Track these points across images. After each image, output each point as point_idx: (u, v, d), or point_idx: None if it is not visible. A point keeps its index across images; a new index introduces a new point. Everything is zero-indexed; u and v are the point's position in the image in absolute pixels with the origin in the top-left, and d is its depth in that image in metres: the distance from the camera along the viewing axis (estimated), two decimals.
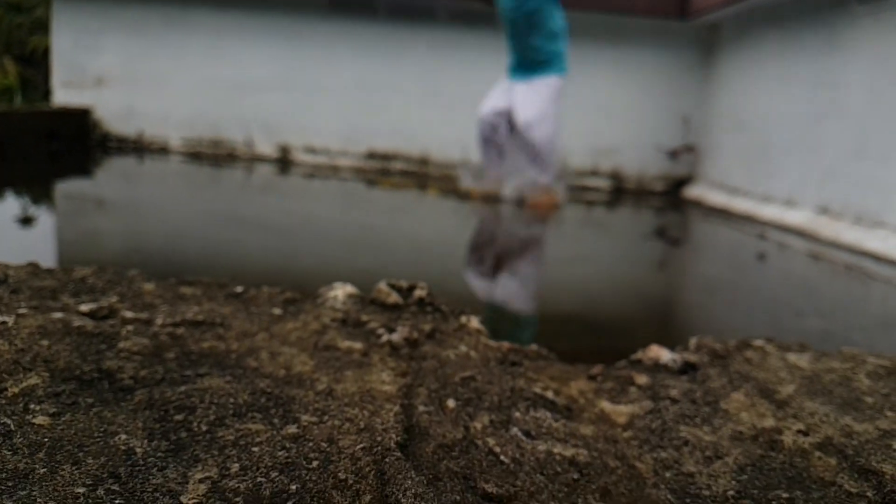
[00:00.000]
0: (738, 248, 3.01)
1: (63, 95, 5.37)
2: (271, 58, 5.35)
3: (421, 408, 0.76)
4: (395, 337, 0.93)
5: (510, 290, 1.95)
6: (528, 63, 3.56)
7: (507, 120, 3.62)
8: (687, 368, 0.95)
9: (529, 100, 3.48)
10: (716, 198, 4.69)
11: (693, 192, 5.14)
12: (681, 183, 5.45)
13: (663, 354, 0.96)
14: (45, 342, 0.89)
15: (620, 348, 1.38)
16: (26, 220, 2.17)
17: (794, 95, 4.00)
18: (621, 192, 5.34)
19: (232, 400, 0.75)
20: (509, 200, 3.53)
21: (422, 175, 5.34)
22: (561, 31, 3.53)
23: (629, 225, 3.50)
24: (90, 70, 5.35)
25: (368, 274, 1.80)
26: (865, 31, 3.40)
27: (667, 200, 4.88)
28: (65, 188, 3.03)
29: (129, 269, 1.24)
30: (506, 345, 0.98)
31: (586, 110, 5.14)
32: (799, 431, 0.77)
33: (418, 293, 1.11)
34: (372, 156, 5.48)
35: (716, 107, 5.13)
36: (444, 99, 5.42)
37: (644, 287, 2.14)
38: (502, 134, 3.65)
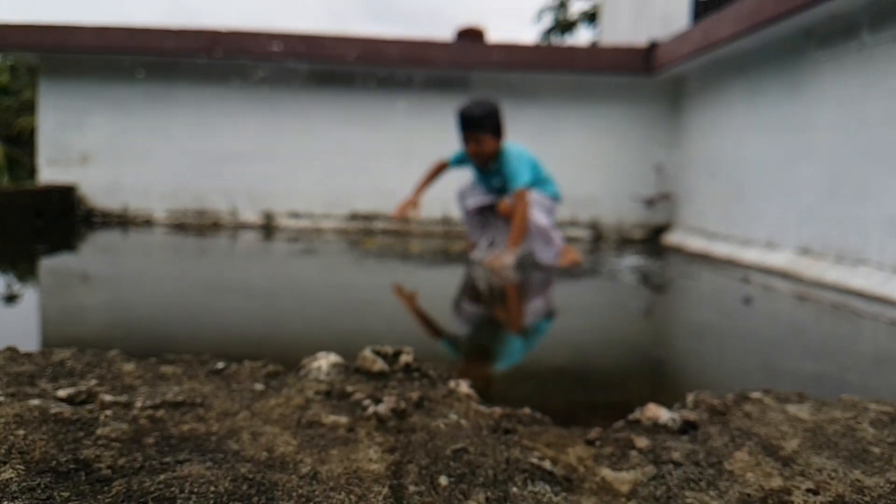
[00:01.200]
0: (723, 292, 3.02)
1: (49, 173, 5.39)
2: (254, 129, 5.43)
3: (411, 488, 0.72)
4: (382, 408, 0.90)
5: (499, 344, 1.92)
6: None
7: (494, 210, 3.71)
8: (687, 427, 0.92)
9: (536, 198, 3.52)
10: (696, 243, 4.72)
11: (672, 238, 5.19)
12: (659, 230, 5.51)
13: (662, 414, 0.94)
14: (21, 432, 0.85)
15: (616, 404, 1.35)
16: (9, 299, 2.13)
17: (765, 140, 4.09)
18: (601, 241, 5.38)
19: (213, 488, 0.71)
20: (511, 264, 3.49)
21: (404, 233, 5.36)
22: (541, 174, 3.61)
23: (612, 273, 3.50)
24: (75, 148, 5.39)
25: (355, 337, 1.77)
26: (827, 75, 3.51)
27: (647, 248, 4.92)
28: (47, 264, 2.99)
29: (109, 350, 1.21)
30: (498, 410, 0.95)
31: (562, 163, 5.22)
32: (808, 490, 0.74)
33: (404, 359, 1.09)
34: (354, 217, 5.51)
35: (688, 154, 5.24)
36: (422, 160, 5.47)
37: (633, 335, 2.12)
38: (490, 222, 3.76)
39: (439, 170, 3.96)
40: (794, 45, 3.78)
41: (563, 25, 15.48)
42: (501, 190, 3.64)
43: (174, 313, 2.03)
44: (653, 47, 5.20)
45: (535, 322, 2.30)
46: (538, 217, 3.45)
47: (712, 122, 4.84)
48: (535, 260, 3.52)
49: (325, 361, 1.07)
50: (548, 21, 16.21)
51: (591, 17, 14.95)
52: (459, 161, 3.82)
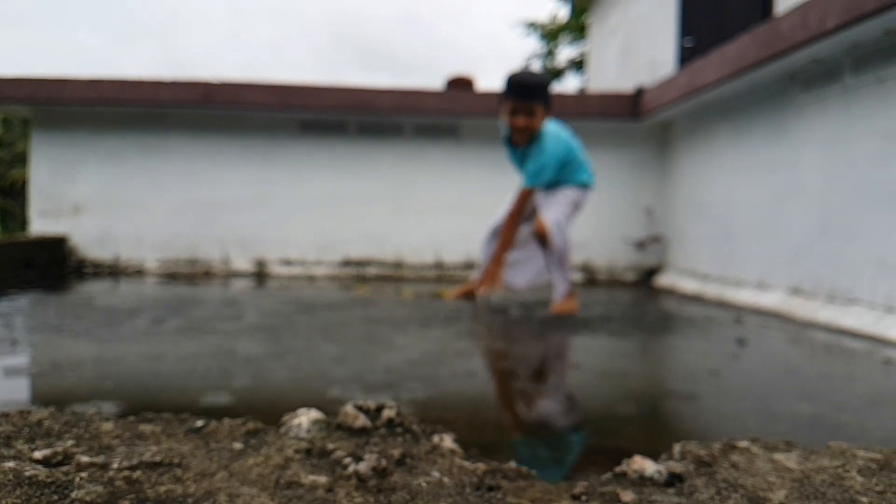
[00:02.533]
0: (716, 333, 3.00)
1: (40, 225, 5.40)
2: (246, 178, 5.48)
3: None
4: (363, 467, 0.88)
5: (485, 391, 1.90)
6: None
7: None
8: (673, 480, 0.90)
9: (550, 206, 3.34)
10: (688, 285, 4.73)
11: (664, 280, 5.19)
12: (651, 272, 5.52)
13: (648, 466, 0.92)
14: None
15: (602, 453, 1.33)
16: None
17: (753, 181, 4.14)
18: (594, 283, 5.37)
19: None
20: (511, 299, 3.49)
21: (397, 278, 5.35)
22: (576, 159, 3.40)
23: (604, 316, 3.49)
24: (67, 199, 5.41)
25: (340, 387, 1.74)
26: (812, 117, 3.57)
27: (639, 290, 4.92)
28: (33, 317, 2.97)
29: (87, 409, 1.18)
30: (482, 466, 0.93)
31: None
32: None
33: (387, 414, 1.07)
34: (347, 263, 5.51)
35: (678, 197, 5.28)
36: (413, 206, 5.54)
37: (622, 379, 2.10)
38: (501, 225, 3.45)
39: (524, 198, 3.44)
40: (779, 89, 3.86)
41: (551, 73, 15.79)
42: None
43: (160, 365, 2.01)
44: (639, 93, 5.29)
45: (523, 365, 2.28)
46: (555, 233, 3.25)
47: (700, 165, 4.90)
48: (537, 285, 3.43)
49: (305, 418, 1.05)
50: (536, 68, 16.56)
51: (578, 64, 15.26)
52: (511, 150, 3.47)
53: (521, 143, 3.28)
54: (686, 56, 5.76)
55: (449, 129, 5.50)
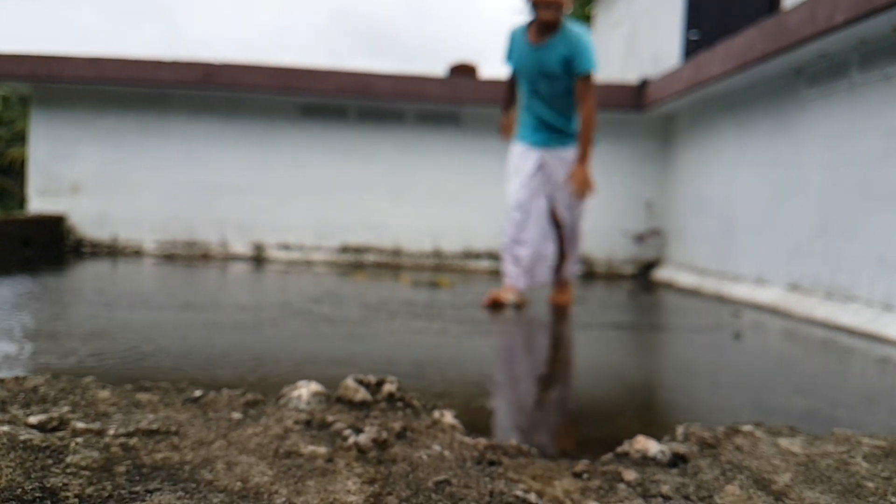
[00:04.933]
0: (713, 327, 3.00)
1: (38, 203, 5.36)
2: (246, 161, 5.44)
3: None
4: (363, 439, 0.87)
5: (485, 375, 1.89)
6: (554, 130, 3.18)
7: (537, 196, 3.20)
8: (676, 461, 0.89)
9: (565, 201, 3.20)
10: (686, 279, 4.72)
11: (663, 274, 5.19)
12: (650, 266, 5.51)
13: (651, 446, 0.91)
14: None
15: (604, 437, 1.32)
16: None
17: (754, 177, 4.12)
18: (592, 276, 5.37)
19: None
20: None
21: (395, 266, 5.34)
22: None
23: (602, 308, 3.48)
24: (66, 178, 5.37)
25: (341, 365, 1.73)
26: (815, 113, 3.56)
27: (637, 283, 4.91)
28: (30, 290, 2.95)
29: (84, 377, 1.17)
30: (483, 441, 0.92)
31: None
32: None
33: (388, 388, 1.06)
34: (345, 249, 5.49)
35: (678, 191, 5.27)
36: (413, 193, 5.52)
37: (622, 368, 2.09)
38: (528, 212, 3.17)
39: (509, 90, 3.38)
40: (784, 83, 3.84)
41: None
42: (546, 93, 3.10)
43: (160, 339, 1.99)
44: (644, 84, 5.27)
45: (525, 353, 2.27)
46: (563, 210, 3.12)
47: (702, 159, 4.88)
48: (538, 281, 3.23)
49: (305, 390, 1.04)
50: None
51: None
52: (509, 61, 3.25)
53: (549, 19, 2.96)
54: (691, 49, 5.73)
55: (450, 116, 5.47)
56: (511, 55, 3.22)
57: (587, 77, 3.04)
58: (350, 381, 1.07)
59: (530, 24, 3.11)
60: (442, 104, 5.28)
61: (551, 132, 3.20)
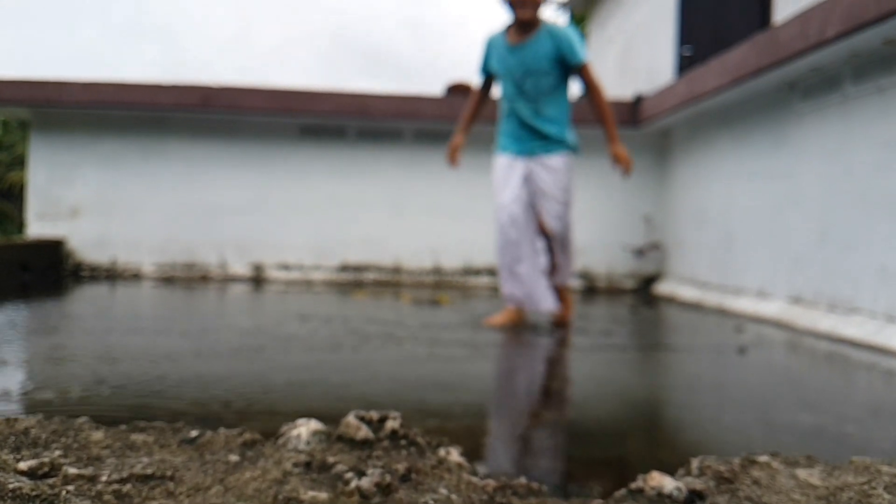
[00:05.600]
0: (716, 342, 2.98)
1: (37, 228, 5.36)
2: (245, 182, 5.44)
3: None
4: (365, 483, 0.85)
5: (490, 404, 1.87)
6: (540, 136, 3.10)
7: (528, 208, 3.13)
8: (693, 498, 0.87)
9: (552, 188, 3.08)
10: (687, 293, 4.71)
11: (664, 288, 5.17)
12: (650, 280, 5.50)
13: (666, 483, 0.89)
14: None
15: (615, 461, 1.30)
16: None
17: (752, 189, 4.12)
18: (593, 291, 5.35)
19: None
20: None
21: (395, 284, 5.32)
22: (568, 110, 3.20)
23: (604, 325, 3.46)
24: (65, 202, 5.37)
25: (342, 395, 1.71)
26: (811, 126, 3.56)
27: (639, 298, 4.89)
28: (27, 318, 2.93)
29: (77, 417, 1.15)
30: (491, 483, 0.90)
31: None
32: None
33: (390, 425, 1.04)
34: (345, 268, 5.48)
35: (676, 205, 5.27)
36: (412, 211, 5.51)
37: (628, 388, 2.07)
38: (523, 227, 3.10)
39: (476, 101, 3.34)
40: (778, 97, 3.85)
41: None
42: (532, 91, 3.04)
43: (156, 370, 1.97)
44: (639, 100, 5.28)
45: (529, 374, 2.25)
46: (552, 220, 3.04)
47: (699, 173, 4.89)
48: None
49: (305, 429, 1.02)
50: None
51: None
52: (486, 69, 3.21)
53: (526, 18, 2.95)
54: (685, 64, 5.75)
55: (448, 134, 5.43)
56: (490, 61, 3.18)
57: (585, 67, 3.03)
58: (351, 419, 1.05)
59: (508, 28, 3.09)
60: (440, 123, 5.29)
61: (536, 139, 3.12)
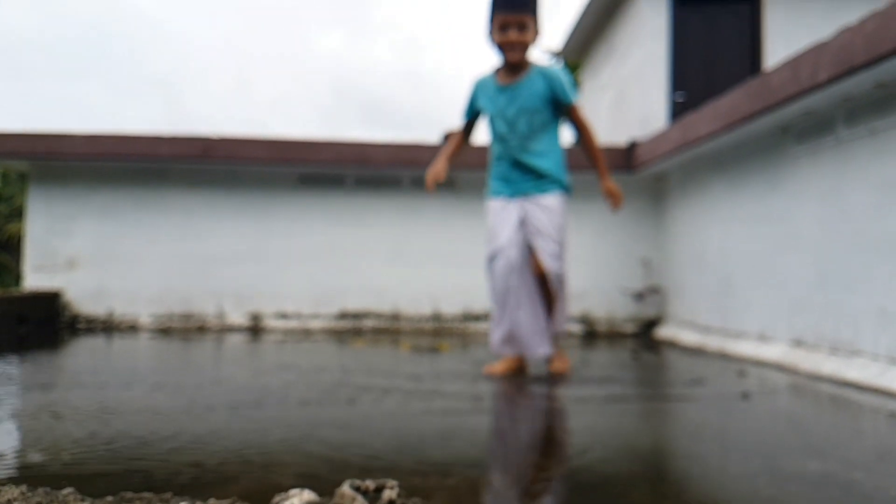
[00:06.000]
0: (719, 387, 2.95)
1: (34, 279, 5.35)
2: (243, 231, 5.46)
3: None
4: None
5: (491, 463, 1.83)
6: (533, 175, 3.08)
7: (524, 252, 3.07)
8: None
9: (548, 227, 3.04)
10: (689, 337, 4.68)
11: (665, 332, 5.14)
12: (651, 324, 5.47)
13: None
14: None
15: None
16: None
17: (749, 232, 4.13)
18: (594, 335, 5.32)
19: None
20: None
21: (394, 331, 5.29)
22: (560, 149, 3.18)
23: (607, 371, 3.43)
24: (62, 253, 5.38)
25: (339, 452, 1.68)
26: (805, 169, 3.59)
27: (640, 342, 4.86)
28: (22, 372, 2.90)
29: (62, 489, 1.12)
30: None
31: None
32: None
33: (388, 495, 1.01)
34: (344, 315, 5.45)
35: (674, 248, 5.28)
36: (411, 257, 5.52)
37: (631, 437, 2.04)
38: (522, 272, 3.06)
39: (458, 141, 3.32)
40: (772, 141, 3.89)
41: None
42: (525, 130, 3.04)
43: (146, 429, 1.94)
44: (633, 146, 5.34)
45: (531, 424, 2.21)
46: (548, 259, 2.98)
47: (696, 216, 4.91)
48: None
49: (297, 500, 0.99)
50: None
51: None
52: (472, 110, 3.23)
53: (515, 60, 3.00)
54: (678, 110, 5.84)
55: (446, 181, 5.51)
56: (477, 102, 3.20)
57: (575, 108, 3.09)
58: (346, 489, 1.03)
59: (498, 70, 3.14)
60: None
61: (529, 178, 3.10)
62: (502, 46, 3.00)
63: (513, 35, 2.92)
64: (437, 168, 3.18)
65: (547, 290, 3.13)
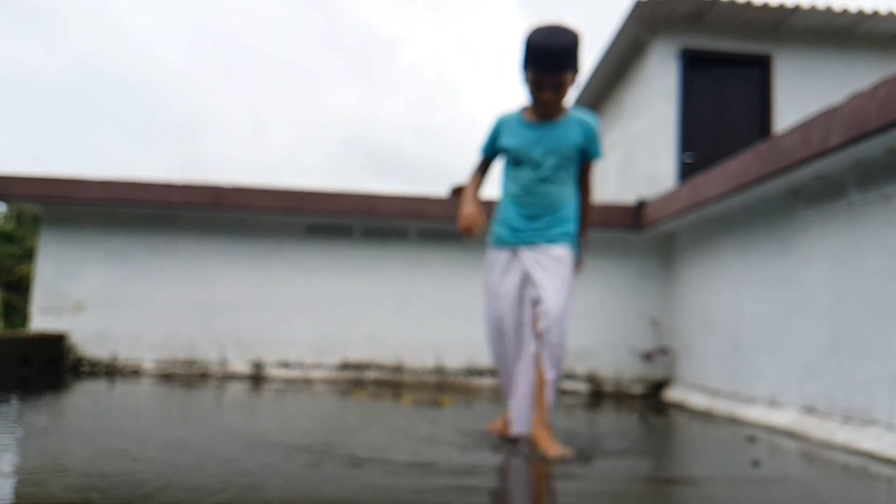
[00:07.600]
0: (730, 454, 2.86)
1: (41, 321, 5.35)
2: (249, 279, 5.47)
3: None
4: None
5: None
6: (547, 220, 2.83)
7: (522, 303, 2.82)
8: None
9: (552, 284, 2.74)
10: (697, 400, 4.58)
11: (673, 394, 5.04)
12: (659, 385, 5.37)
13: None
14: None
15: None
16: None
17: (760, 295, 4.09)
18: (600, 395, 5.21)
19: None
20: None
21: (397, 383, 5.21)
22: (577, 201, 2.93)
23: (614, 442, 3.34)
24: (69, 296, 5.39)
25: None
26: (817, 233, 3.57)
27: (647, 404, 4.76)
28: (19, 417, 2.86)
29: None
30: None
31: None
32: None
33: None
34: (346, 366, 5.39)
35: (683, 309, 5.22)
36: (415, 309, 5.49)
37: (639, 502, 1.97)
38: (517, 322, 2.82)
39: (479, 180, 3.03)
40: (783, 204, 3.88)
41: None
42: (551, 171, 2.79)
43: (144, 485, 1.89)
44: (641, 205, 5.36)
45: (537, 487, 2.14)
46: (566, 329, 2.69)
47: (706, 277, 4.87)
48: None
49: None
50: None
51: None
52: (492, 147, 2.95)
53: (545, 99, 2.72)
54: (686, 171, 5.87)
55: (452, 234, 5.53)
56: (500, 138, 2.91)
57: (593, 164, 2.92)
58: None
59: (525, 109, 2.89)
60: (444, 222, 5.36)
61: (540, 226, 2.83)
62: (533, 85, 2.73)
63: (548, 95, 2.68)
64: (473, 211, 2.83)
65: (546, 354, 2.71)
